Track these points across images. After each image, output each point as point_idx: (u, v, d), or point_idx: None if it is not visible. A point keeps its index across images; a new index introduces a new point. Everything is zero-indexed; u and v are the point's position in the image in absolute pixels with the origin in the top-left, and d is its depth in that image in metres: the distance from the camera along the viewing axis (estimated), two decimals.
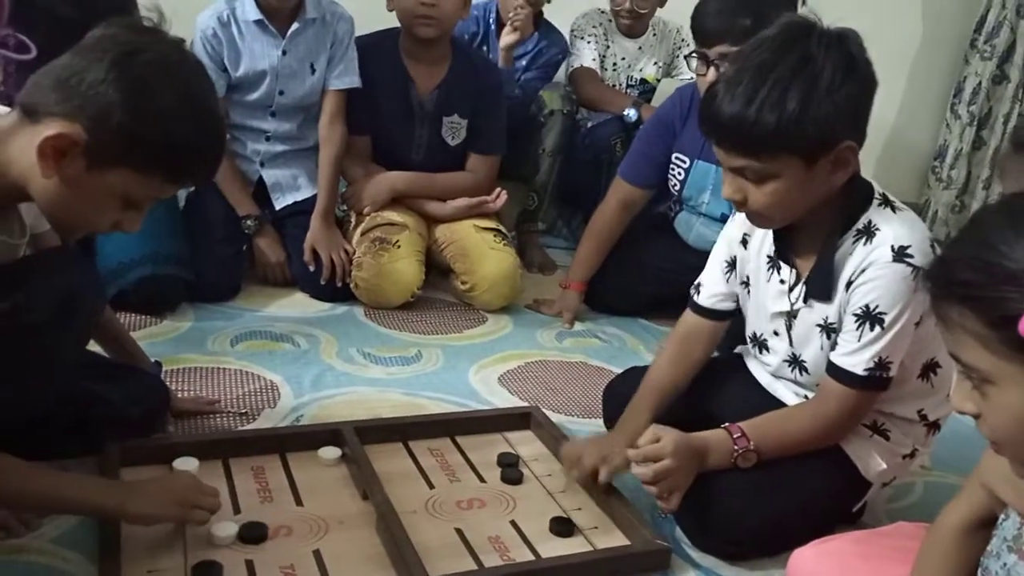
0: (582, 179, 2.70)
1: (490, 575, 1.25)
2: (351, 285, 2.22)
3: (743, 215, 1.38)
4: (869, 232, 1.30)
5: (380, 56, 2.31)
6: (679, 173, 2.22)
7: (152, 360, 1.62)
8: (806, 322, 1.39)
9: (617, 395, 1.66)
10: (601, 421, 1.73)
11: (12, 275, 1.16)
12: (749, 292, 1.49)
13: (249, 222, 2.24)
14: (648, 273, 2.29)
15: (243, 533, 1.26)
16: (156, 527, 1.23)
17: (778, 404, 1.47)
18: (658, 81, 2.93)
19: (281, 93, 2.25)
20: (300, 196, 2.33)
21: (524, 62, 2.70)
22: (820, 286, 1.34)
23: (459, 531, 1.35)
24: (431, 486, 1.47)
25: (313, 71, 2.25)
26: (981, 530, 0.99)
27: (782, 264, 1.40)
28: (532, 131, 2.62)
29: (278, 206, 2.32)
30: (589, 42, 2.81)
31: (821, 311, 1.36)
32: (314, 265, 2.22)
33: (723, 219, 1.52)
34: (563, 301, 2.32)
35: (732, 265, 1.51)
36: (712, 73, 1.96)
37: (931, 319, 0.90)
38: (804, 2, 2.05)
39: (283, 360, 1.89)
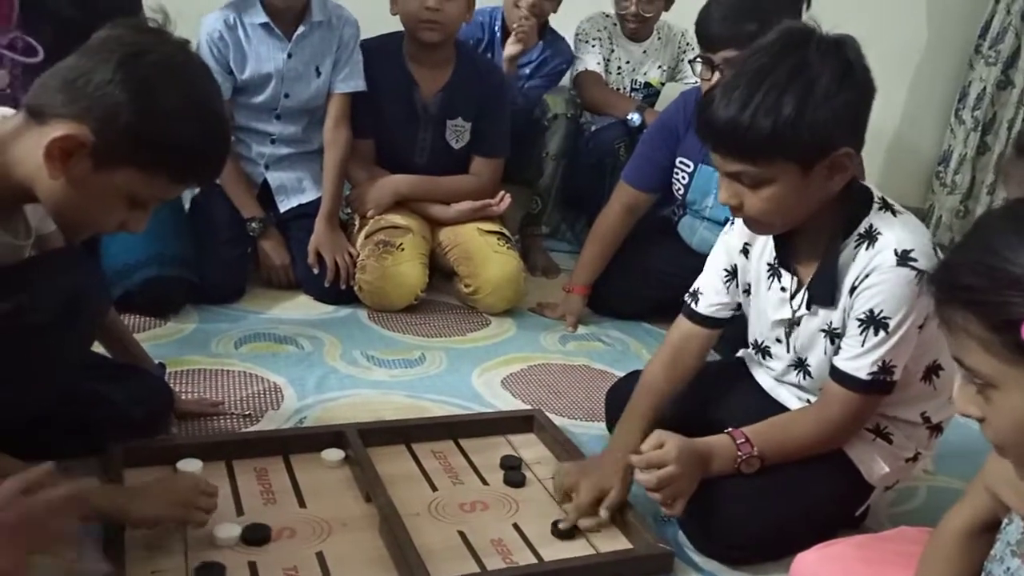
0: (586, 183, 2.70)
1: None
2: (355, 288, 2.22)
3: (742, 223, 1.38)
4: (871, 236, 1.30)
5: (384, 60, 2.32)
6: (683, 177, 2.22)
7: (156, 362, 1.62)
8: (809, 328, 1.39)
9: (620, 398, 1.65)
10: (604, 424, 1.73)
11: (17, 276, 1.16)
12: (750, 300, 1.49)
13: (254, 224, 2.24)
14: (652, 277, 2.29)
15: (246, 535, 1.26)
16: (159, 528, 1.23)
17: (781, 408, 1.47)
18: (662, 85, 2.93)
19: (286, 96, 2.25)
20: (305, 199, 2.33)
21: (528, 71, 2.70)
22: (823, 292, 1.34)
23: (462, 534, 1.35)
24: (434, 488, 1.47)
25: (318, 74, 2.25)
26: (985, 534, 0.99)
27: (783, 271, 1.40)
28: (536, 135, 2.62)
29: (282, 209, 2.33)
30: (594, 46, 2.82)
31: (824, 316, 1.36)
32: (318, 268, 2.22)
33: (727, 223, 1.52)
34: (566, 305, 2.32)
35: (733, 274, 1.50)
36: (717, 78, 1.96)
37: (934, 322, 0.90)
38: (808, 6, 2.04)
39: (287, 362, 1.89)
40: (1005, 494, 0.94)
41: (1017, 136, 3.30)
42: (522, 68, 2.67)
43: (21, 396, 1.19)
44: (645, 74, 2.90)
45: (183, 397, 1.63)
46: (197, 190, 2.31)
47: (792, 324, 1.41)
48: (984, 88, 3.57)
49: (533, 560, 1.31)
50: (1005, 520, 0.96)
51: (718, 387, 1.56)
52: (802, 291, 1.38)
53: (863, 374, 1.31)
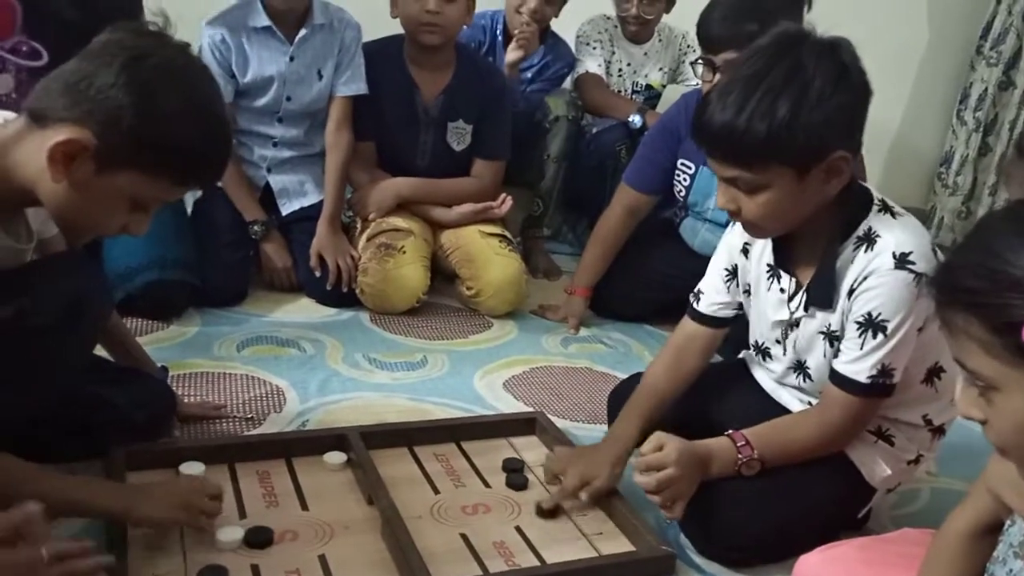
0: (587, 185, 2.71)
1: None
2: (357, 291, 2.22)
3: None
4: (870, 239, 1.30)
5: (385, 63, 2.32)
6: (684, 179, 2.22)
7: (158, 365, 1.62)
8: (808, 330, 1.39)
9: (622, 400, 1.65)
10: (606, 426, 1.73)
11: (19, 279, 1.16)
12: (751, 300, 1.49)
13: (256, 227, 2.24)
14: (653, 279, 2.29)
15: (249, 537, 1.27)
16: (160, 531, 1.24)
17: (782, 410, 1.47)
18: (663, 87, 2.93)
19: (288, 99, 2.26)
20: (307, 202, 2.34)
21: (529, 75, 2.70)
22: (821, 294, 1.34)
23: (464, 536, 1.35)
24: (436, 491, 1.47)
25: (320, 77, 2.26)
26: (987, 536, 0.98)
27: (782, 273, 1.40)
28: (537, 137, 2.62)
29: (285, 212, 2.33)
30: (594, 49, 2.82)
31: (823, 319, 1.36)
32: (320, 270, 2.22)
33: (728, 224, 1.52)
34: (568, 307, 2.32)
35: (733, 274, 1.51)
36: (718, 79, 1.96)
37: (934, 324, 0.90)
38: (809, 8, 2.04)
39: (289, 365, 1.89)
40: (1007, 496, 0.94)
41: (1018, 137, 3.30)
42: (524, 72, 2.67)
43: (23, 400, 1.19)
44: (646, 76, 2.90)
45: (185, 400, 1.63)
46: (199, 193, 2.32)
47: (790, 325, 1.41)
48: (985, 89, 3.57)
49: (535, 563, 1.31)
50: (1008, 522, 0.96)
51: (719, 388, 1.56)
52: (800, 293, 1.38)
53: (862, 377, 1.31)
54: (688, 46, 2.89)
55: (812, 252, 1.36)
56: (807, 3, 2.02)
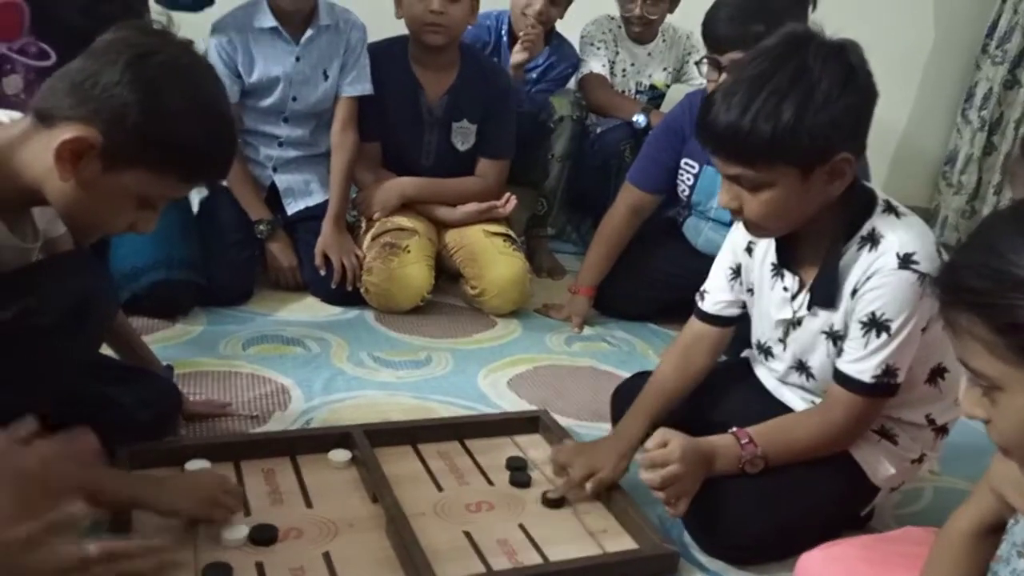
0: (591, 184, 2.71)
1: None
2: (361, 290, 2.23)
3: None
4: (873, 239, 1.30)
5: (389, 63, 2.33)
6: (688, 178, 2.22)
7: (164, 364, 1.63)
8: (810, 329, 1.39)
9: (626, 399, 1.66)
10: (609, 425, 1.73)
11: (25, 279, 1.17)
12: (754, 299, 1.49)
13: (261, 227, 2.25)
14: (657, 278, 2.29)
15: (253, 535, 1.27)
16: (165, 528, 1.24)
17: (785, 409, 1.47)
18: (667, 87, 2.94)
19: (294, 99, 2.26)
20: (312, 201, 2.34)
21: (534, 75, 2.71)
22: (824, 294, 1.34)
23: (468, 534, 1.36)
24: (440, 489, 1.47)
25: (326, 77, 2.26)
26: (991, 535, 0.98)
27: (785, 272, 1.41)
28: (542, 137, 2.63)
29: (290, 211, 2.34)
30: (599, 49, 2.82)
31: (826, 318, 1.36)
32: (325, 270, 2.23)
33: (732, 224, 1.53)
34: (572, 306, 2.33)
35: (737, 272, 1.51)
36: (724, 79, 1.96)
37: (938, 324, 0.91)
38: (814, 7, 2.04)
39: (294, 364, 1.90)
40: (1010, 495, 0.94)
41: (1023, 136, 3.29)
42: (528, 73, 2.68)
43: (28, 398, 1.20)
44: (650, 76, 2.90)
45: (191, 399, 1.64)
46: (205, 193, 2.33)
47: (793, 324, 1.41)
48: (991, 88, 3.56)
49: (539, 560, 1.31)
50: (1011, 521, 0.96)
51: (721, 387, 1.56)
52: (803, 292, 1.38)
53: (867, 377, 1.31)
54: (692, 46, 2.89)
55: (816, 252, 1.36)
56: (812, 3, 2.02)
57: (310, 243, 2.25)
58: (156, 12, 1.37)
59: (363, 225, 2.36)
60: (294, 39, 2.22)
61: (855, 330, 1.31)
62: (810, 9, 2.02)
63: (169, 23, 1.18)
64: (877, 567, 1.12)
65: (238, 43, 2.19)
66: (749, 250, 1.48)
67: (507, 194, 2.40)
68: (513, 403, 1.85)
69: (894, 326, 1.28)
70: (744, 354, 1.63)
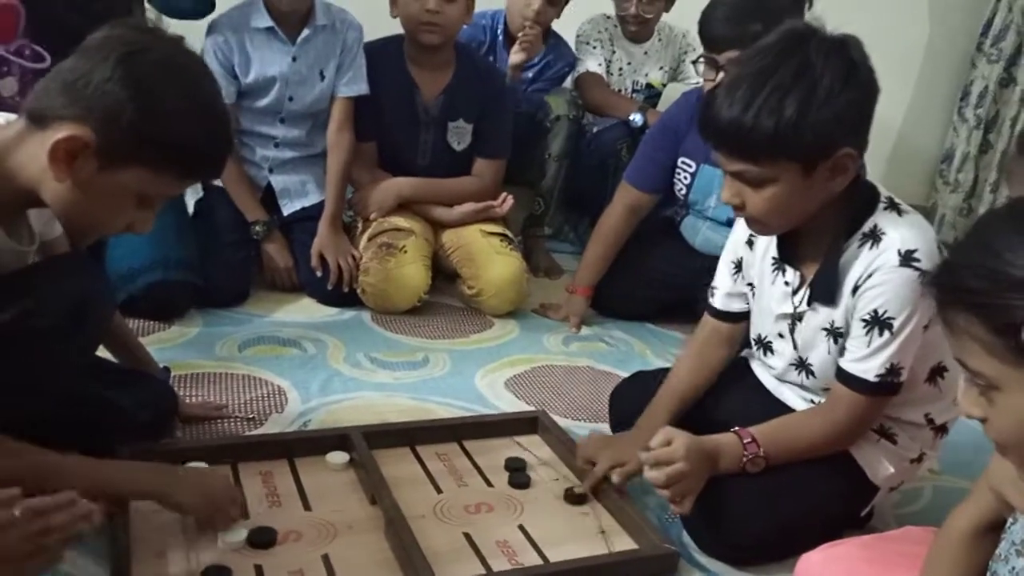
0: (588, 184, 2.71)
1: None
2: (358, 290, 2.23)
3: None
4: (875, 236, 1.30)
5: (385, 63, 2.32)
6: (685, 177, 2.22)
7: (160, 365, 1.63)
8: (811, 326, 1.39)
9: (623, 399, 1.66)
10: (608, 425, 1.73)
11: (22, 281, 1.16)
12: (754, 294, 1.49)
13: (258, 228, 2.25)
14: (654, 277, 2.29)
15: (252, 538, 1.27)
16: (164, 530, 1.24)
17: (784, 408, 1.47)
18: (664, 86, 2.94)
19: (290, 99, 2.26)
20: (308, 202, 2.34)
21: (531, 74, 2.71)
22: (824, 290, 1.34)
23: (467, 535, 1.36)
24: (439, 491, 1.47)
25: (322, 78, 2.26)
26: (990, 534, 0.99)
27: (786, 267, 1.41)
28: (538, 136, 2.63)
29: (286, 212, 2.33)
30: (595, 48, 2.82)
31: (826, 315, 1.36)
32: (321, 270, 2.22)
33: (729, 223, 1.53)
34: (569, 306, 2.32)
35: (738, 267, 1.51)
36: (722, 77, 1.96)
37: (939, 323, 0.90)
38: (811, 6, 2.04)
39: (291, 365, 1.90)
40: (1009, 494, 0.94)
41: (1020, 134, 3.28)
42: (525, 72, 2.67)
43: (25, 401, 1.19)
44: (646, 75, 2.90)
45: (187, 401, 1.63)
46: (201, 194, 2.32)
47: (794, 319, 1.41)
48: (986, 86, 3.57)
49: (539, 561, 1.31)
50: (1010, 520, 0.96)
51: (721, 386, 1.56)
52: (804, 287, 1.38)
53: (871, 376, 1.31)
54: (688, 45, 2.89)
55: (817, 248, 1.36)
56: (808, 2, 2.02)
57: (306, 244, 2.24)
58: (149, 11, 1.37)
59: (359, 225, 2.36)
60: (290, 39, 2.21)
61: (857, 328, 1.31)
62: (806, 8, 2.02)
63: (158, 19, 1.17)
64: (877, 567, 1.12)
65: (234, 43, 2.19)
66: (750, 243, 1.48)
67: (504, 194, 2.40)
68: (511, 403, 1.85)
69: (896, 323, 1.28)
70: (743, 353, 1.63)
